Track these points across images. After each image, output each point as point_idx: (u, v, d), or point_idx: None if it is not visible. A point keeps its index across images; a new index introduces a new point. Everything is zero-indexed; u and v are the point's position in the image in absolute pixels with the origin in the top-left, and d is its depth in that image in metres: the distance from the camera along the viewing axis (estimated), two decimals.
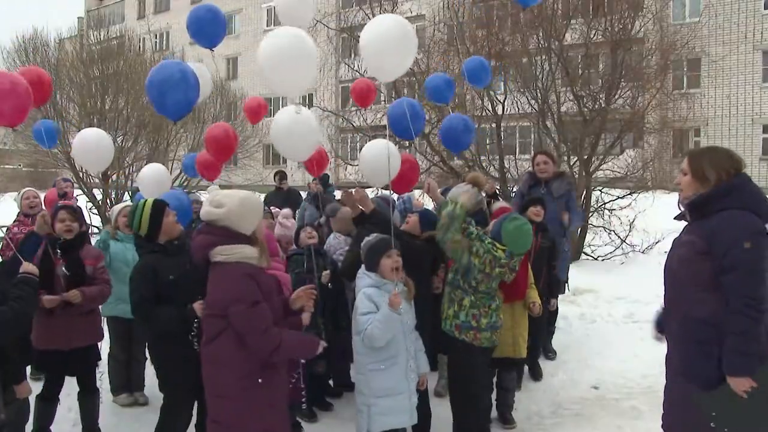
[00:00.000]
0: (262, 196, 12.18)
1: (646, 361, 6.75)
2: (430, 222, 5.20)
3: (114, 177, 20.40)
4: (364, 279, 4.43)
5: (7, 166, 40.72)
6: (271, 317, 3.35)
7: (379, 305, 4.21)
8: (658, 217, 13.40)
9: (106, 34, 27.74)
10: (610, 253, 13.63)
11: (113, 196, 19.96)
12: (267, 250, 3.59)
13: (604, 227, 13.87)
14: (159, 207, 4.45)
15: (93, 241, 6.19)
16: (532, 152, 15.91)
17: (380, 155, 5.08)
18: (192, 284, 4.04)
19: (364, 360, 4.32)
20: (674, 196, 3.71)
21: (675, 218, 3.61)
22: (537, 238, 6.28)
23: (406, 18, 4.91)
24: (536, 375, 6.65)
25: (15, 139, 27.84)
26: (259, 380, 3.37)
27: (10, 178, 37.65)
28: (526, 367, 6.53)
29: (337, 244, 6.21)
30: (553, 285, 6.83)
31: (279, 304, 3.63)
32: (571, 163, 13.18)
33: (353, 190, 5.10)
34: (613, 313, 9.13)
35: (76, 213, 5.27)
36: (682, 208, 3.54)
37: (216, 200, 3.45)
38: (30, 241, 4.54)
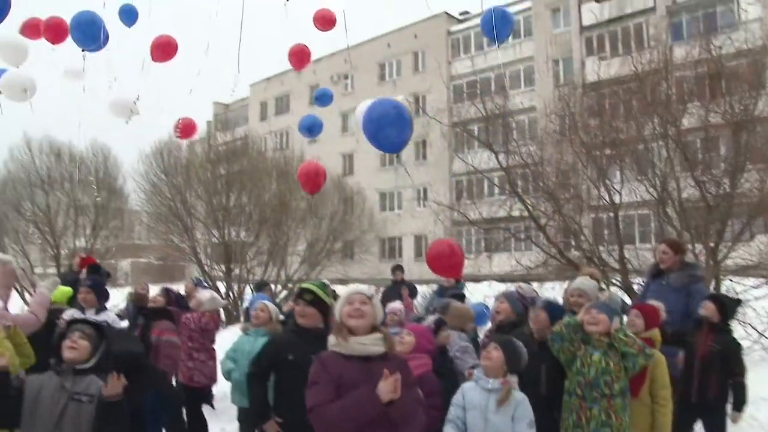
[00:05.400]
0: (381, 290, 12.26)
1: None
2: (561, 314, 5.05)
3: (236, 271, 21.14)
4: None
5: (140, 260, 43.42)
6: (324, 397, 3.33)
7: (466, 401, 4.24)
8: None
9: (231, 135, 29.41)
10: (747, 348, 12.68)
11: (236, 289, 20.65)
12: (344, 331, 3.53)
13: (738, 320, 12.97)
14: (331, 296, 4.60)
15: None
16: (653, 241, 15.45)
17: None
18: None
19: None
20: None
21: None
22: (707, 339, 5.79)
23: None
24: None
25: (149, 235, 29.65)
26: None
27: (143, 271, 40.04)
28: None
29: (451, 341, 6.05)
30: (738, 395, 5.85)
31: (366, 391, 3.40)
32: (697, 252, 12.55)
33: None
34: (758, 416, 8.38)
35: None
36: None
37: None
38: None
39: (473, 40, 37.99)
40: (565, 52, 33.20)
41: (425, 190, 36.92)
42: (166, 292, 8.39)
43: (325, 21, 9.43)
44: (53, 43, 8.68)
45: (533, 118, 27.68)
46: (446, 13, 39.80)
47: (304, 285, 4.70)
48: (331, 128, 44.06)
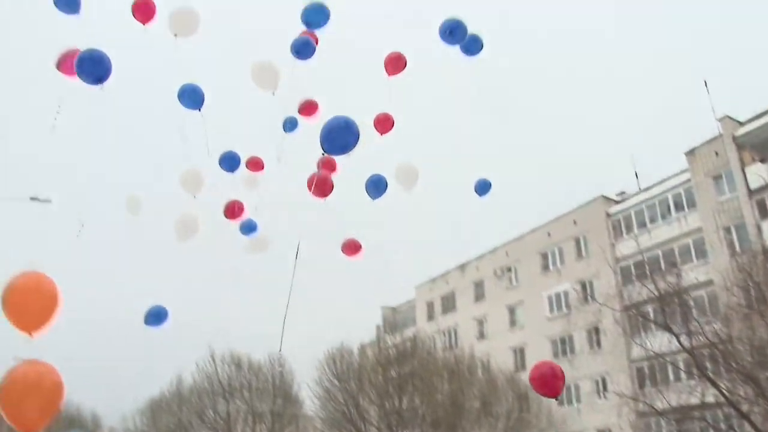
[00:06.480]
0: None
1: None
2: None
3: None
4: None
5: None
6: None
7: None
8: None
9: (400, 337, 29.94)
10: None
11: None
12: None
13: None
14: None
15: None
16: None
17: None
18: None
19: None
20: None
21: None
22: None
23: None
24: None
25: None
26: None
27: None
28: None
29: None
30: None
31: None
32: None
33: None
34: None
35: None
36: None
37: None
38: None
39: (635, 219, 37.16)
40: (735, 219, 31.48)
41: (604, 380, 34.78)
42: None
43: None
44: (232, 217, 9.56)
45: (712, 292, 25.90)
46: (603, 196, 39.67)
47: None
48: (498, 323, 43.57)
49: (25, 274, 5.04)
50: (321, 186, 9.41)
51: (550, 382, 6.53)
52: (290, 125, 9.45)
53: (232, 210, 9.69)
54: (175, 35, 8.17)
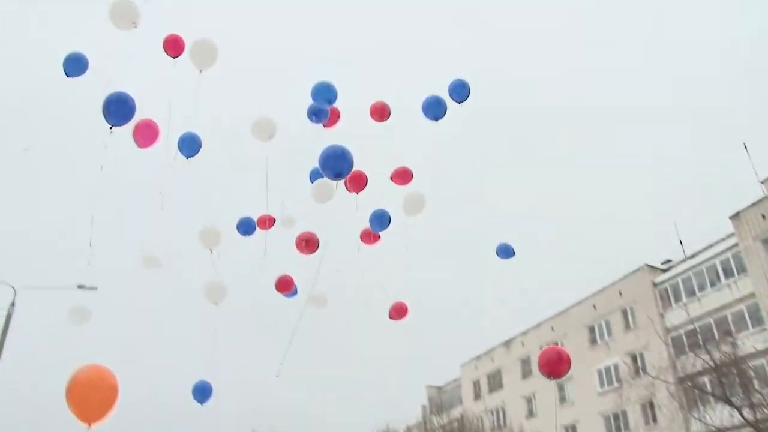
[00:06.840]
0: None
1: None
2: None
3: None
4: None
5: None
6: None
7: None
8: None
9: (447, 417, 29.33)
10: None
11: None
12: None
13: None
14: None
15: None
16: None
17: None
18: None
19: None
20: None
21: None
22: None
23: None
24: None
25: None
26: None
27: None
28: None
29: None
30: None
31: None
32: None
33: None
34: None
35: None
36: None
37: None
38: None
39: (683, 288, 36.22)
40: None
41: None
42: None
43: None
44: (284, 292, 9.62)
45: None
46: (647, 265, 38.93)
47: None
48: (548, 400, 42.29)
49: (88, 367, 5.15)
50: (308, 245, 9.51)
51: (555, 367, 7.26)
52: (316, 176, 9.64)
53: (285, 284, 9.75)
54: (200, 71, 8.45)
